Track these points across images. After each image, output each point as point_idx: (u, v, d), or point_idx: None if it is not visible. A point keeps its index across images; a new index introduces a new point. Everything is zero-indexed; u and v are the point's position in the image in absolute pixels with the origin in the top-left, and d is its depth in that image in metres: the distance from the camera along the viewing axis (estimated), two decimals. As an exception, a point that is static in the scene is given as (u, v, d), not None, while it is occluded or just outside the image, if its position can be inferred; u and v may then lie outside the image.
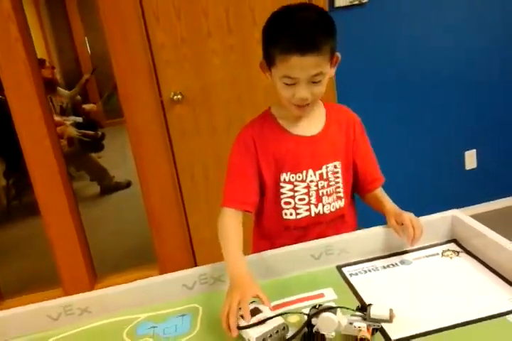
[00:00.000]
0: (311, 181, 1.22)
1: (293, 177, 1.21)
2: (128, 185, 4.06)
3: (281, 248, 1.17)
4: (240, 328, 0.88)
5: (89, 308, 1.06)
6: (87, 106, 4.90)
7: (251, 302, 0.93)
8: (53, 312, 1.05)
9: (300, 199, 1.23)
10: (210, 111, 2.24)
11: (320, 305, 0.90)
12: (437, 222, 1.21)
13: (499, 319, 0.91)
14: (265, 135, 1.21)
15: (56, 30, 5.58)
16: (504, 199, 2.89)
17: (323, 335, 0.85)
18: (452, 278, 1.07)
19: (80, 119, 4.53)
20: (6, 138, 3.19)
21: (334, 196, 1.25)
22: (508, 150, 2.83)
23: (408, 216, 1.14)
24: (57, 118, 3.94)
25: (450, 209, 1.24)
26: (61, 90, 4.57)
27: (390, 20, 2.47)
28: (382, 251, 1.19)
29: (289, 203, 1.23)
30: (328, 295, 1.05)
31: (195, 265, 2.32)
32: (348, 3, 2.36)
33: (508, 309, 0.93)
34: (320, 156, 1.22)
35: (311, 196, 1.23)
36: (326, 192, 1.23)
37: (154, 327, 1.02)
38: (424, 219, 1.17)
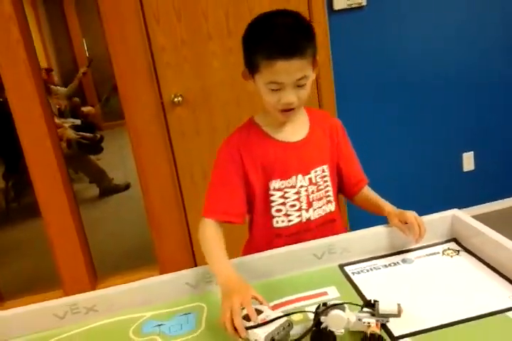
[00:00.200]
0: (301, 186, 1.21)
1: (283, 184, 1.20)
2: (127, 187, 4.07)
3: (284, 247, 1.18)
4: (248, 328, 0.88)
5: (96, 307, 1.07)
6: (85, 109, 4.91)
7: None
8: (60, 310, 1.06)
9: (291, 206, 1.22)
10: (210, 113, 2.26)
11: (326, 303, 0.91)
12: (438, 221, 1.22)
13: (499, 315, 0.93)
14: (251, 143, 1.20)
15: (54, 32, 5.58)
16: (502, 200, 2.92)
17: (332, 332, 0.86)
18: (453, 277, 1.08)
19: (78, 122, 4.55)
20: (5, 140, 3.20)
21: (324, 200, 1.26)
22: (506, 152, 2.85)
23: (412, 214, 1.16)
24: (55, 120, 3.95)
25: (447, 210, 1.26)
26: (57, 88, 4.56)
27: (389, 22, 2.50)
28: (383, 250, 1.20)
29: (280, 210, 1.23)
30: (332, 294, 1.06)
31: (195, 265, 2.33)
32: (347, 6, 2.38)
33: (508, 306, 0.95)
34: (307, 161, 1.22)
35: (302, 202, 1.22)
36: (316, 196, 1.24)
37: (160, 325, 1.03)
38: (424, 218, 1.19)
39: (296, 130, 1.23)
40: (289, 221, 1.23)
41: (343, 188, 1.33)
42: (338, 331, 0.86)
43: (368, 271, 1.14)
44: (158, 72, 2.17)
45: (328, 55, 2.35)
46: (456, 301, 0.99)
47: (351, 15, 2.41)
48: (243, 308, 0.91)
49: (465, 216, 1.22)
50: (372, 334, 0.85)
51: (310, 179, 1.22)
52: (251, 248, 1.27)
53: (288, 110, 1.14)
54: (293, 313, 0.95)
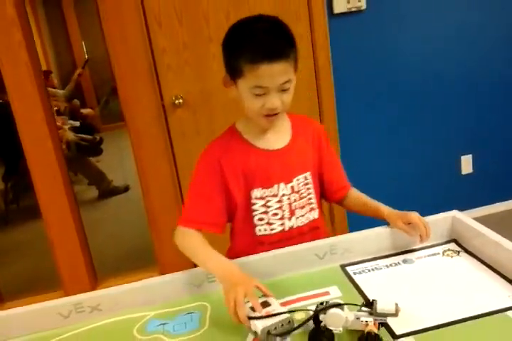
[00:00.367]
0: (283, 195, 1.20)
1: (265, 193, 1.19)
2: (126, 189, 4.08)
3: (286, 248, 1.19)
4: (250, 318, 0.90)
5: (100, 306, 1.08)
6: (84, 111, 4.91)
7: (259, 297, 0.95)
8: (64, 310, 1.07)
9: (273, 214, 1.21)
10: (210, 115, 2.28)
11: (326, 302, 0.92)
12: (438, 222, 1.24)
13: (499, 315, 0.94)
14: (232, 151, 1.19)
15: (53, 34, 5.59)
16: (500, 203, 2.93)
17: (330, 331, 0.87)
18: (453, 277, 1.10)
19: (77, 124, 4.55)
20: (5, 142, 3.21)
21: (308, 207, 1.25)
22: (504, 154, 2.87)
23: (415, 215, 1.17)
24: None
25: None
26: (55, 91, 4.56)
27: (389, 26, 2.51)
28: (385, 251, 1.22)
29: (262, 219, 1.22)
30: (333, 293, 1.07)
31: (195, 267, 2.33)
32: (347, 10, 2.39)
33: (508, 305, 0.96)
34: (290, 169, 1.21)
35: (284, 210, 1.21)
36: (299, 204, 1.23)
37: (164, 324, 1.03)
38: (425, 219, 1.20)
39: (278, 137, 1.22)
40: (272, 229, 1.23)
41: (324, 194, 1.33)
42: (337, 329, 0.87)
43: (369, 271, 1.15)
44: (159, 74, 2.19)
45: (328, 58, 2.36)
46: (457, 301, 1.00)
47: (351, 19, 2.42)
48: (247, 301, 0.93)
49: (465, 217, 1.23)
50: (370, 333, 0.86)
51: (292, 187, 1.21)
52: (233, 255, 1.22)
53: (272, 115, 1.12)
54: (297, 310, 0.96)
